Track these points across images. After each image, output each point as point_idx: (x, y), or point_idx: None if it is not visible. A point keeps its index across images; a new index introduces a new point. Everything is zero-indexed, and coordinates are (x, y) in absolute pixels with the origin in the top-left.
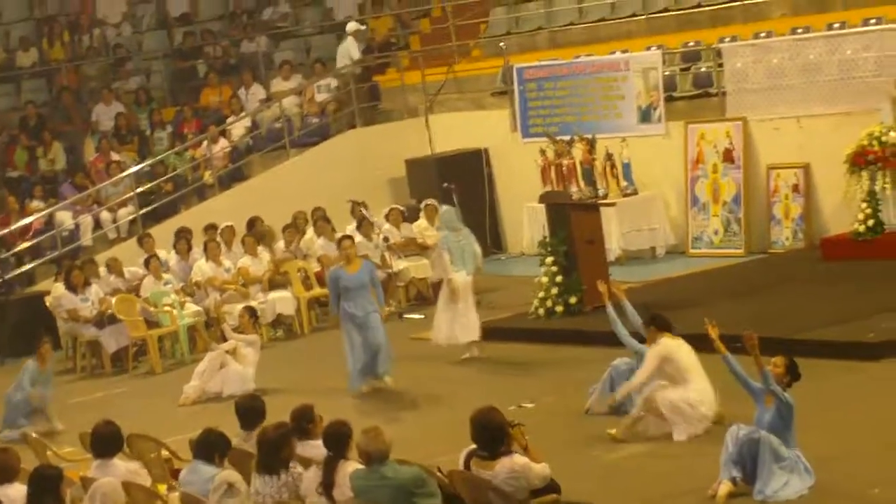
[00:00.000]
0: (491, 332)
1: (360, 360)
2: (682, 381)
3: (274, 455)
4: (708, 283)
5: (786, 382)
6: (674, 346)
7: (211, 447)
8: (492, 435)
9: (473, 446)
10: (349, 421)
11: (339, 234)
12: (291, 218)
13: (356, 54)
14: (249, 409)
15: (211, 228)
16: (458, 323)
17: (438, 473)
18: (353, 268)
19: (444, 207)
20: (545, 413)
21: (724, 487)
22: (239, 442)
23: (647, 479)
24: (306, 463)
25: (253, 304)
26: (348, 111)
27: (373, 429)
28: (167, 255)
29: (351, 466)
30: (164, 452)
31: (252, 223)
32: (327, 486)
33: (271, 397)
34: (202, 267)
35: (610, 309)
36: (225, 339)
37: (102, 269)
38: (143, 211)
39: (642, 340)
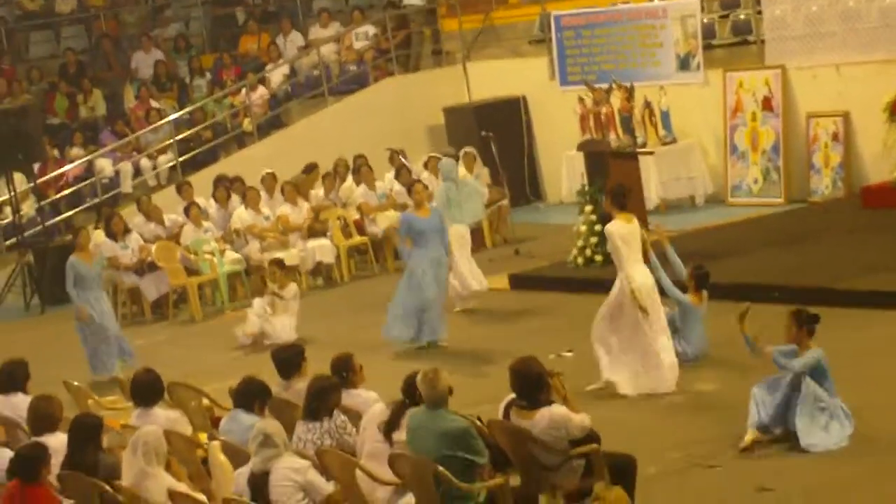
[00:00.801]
0: (529, 281)
1: (409, 308)
2: (619, 266)
3: (320, 401)
4: (747, 231)
5: (807, 333)
6: (624, 228)
7: (251, 396)
8: (530, 384)
9: (513, 396)
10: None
11: (378, 182)
12: (332, 165)
13: None
14: (287, 358)
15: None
16: (457, 274)
17: (478, 423)
18: (425, 212)
19: (444, 159)
20: (584, 362)
21: (750, 434)
22: (278, 391)
23: (682, 427)
24: (347, 411)
25: (281, 255)
26: (385, 58)
27: (431, 371)
28: (206, 202)
29: None
30: (205, 401)
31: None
32: (390, 427)
33: (312, 347)
34: (241, 215)
35: (652, 255)
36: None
37: (140, 218)
38: (183, 158)
39: (685, 289)
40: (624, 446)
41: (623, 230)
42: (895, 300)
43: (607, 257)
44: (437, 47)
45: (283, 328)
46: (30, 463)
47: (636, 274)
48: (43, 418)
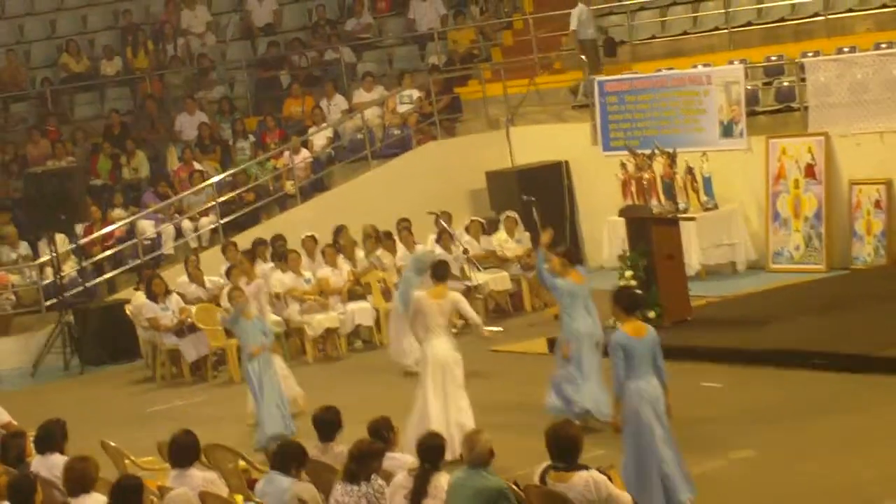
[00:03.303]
0: None
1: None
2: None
3: (361, 465)
4: (788, 298)
5: (621, 310)
6: (426, 301)
7: (288, 458)
8: (566, 446)
9: (549, 462)
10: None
11: (420, 246)
12: (361, 231)
13: (574, 24)
14: (327, 421)
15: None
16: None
17: (514, 487)
18: (575, 278)
19: (420, 249)
20: None
21: None
22: (316, 454)
23: (715, 494)
24: (385, 475)
25: (321, 317)
26: (429, 122)
27: (473, 432)
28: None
29: (444, 478)
30: (242, 463)
31: (338, 232)
32: (417, 496)
33: (348, 409)
34: (281, 278)
35: None
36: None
37: (183, 278)
38: (225, 220)
39: None
40: None
41: (424, 303)
42: None
43: (646, 322)
44: (465, 117)
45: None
46: None
47: (429, 347)
48: (78, 479)
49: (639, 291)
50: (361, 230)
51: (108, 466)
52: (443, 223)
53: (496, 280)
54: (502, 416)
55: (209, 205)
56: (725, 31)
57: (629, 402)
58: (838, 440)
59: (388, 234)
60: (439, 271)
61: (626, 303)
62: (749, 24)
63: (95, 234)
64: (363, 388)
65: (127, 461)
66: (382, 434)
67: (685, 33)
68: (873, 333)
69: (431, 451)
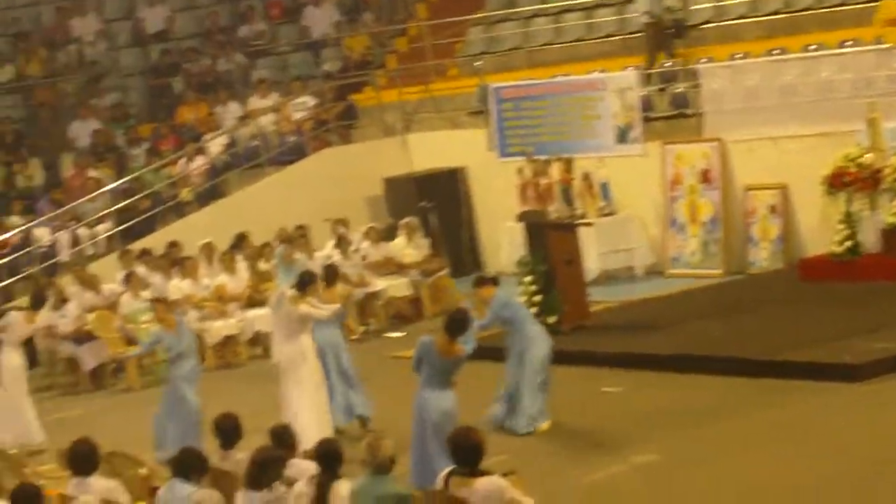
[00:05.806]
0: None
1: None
2: None
3: (264, 471)
4: (685, 303)
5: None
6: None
7: (188, 466)
8: (469, 453)
9: (452, 466)
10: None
11: (318, 253)
12: (261, 243)
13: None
14: (227, 428)
15: (173, 246)
16: None
17: (416, 493)
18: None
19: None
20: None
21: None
22: (217, 460)
23: (624, 499)
24: (288, 483)
25: (220, 324)
26: (324, 129)
27: (375, 438)
28: (148, 272)
29: (343, 486)
30: (143, 470)
31: (240, 239)
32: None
33: (252, 418)
34: (179, 284)
35: None
36: None
37: (77, 287)
38: (121, 228)
39: None
40: None
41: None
42: (832, 372)
43: (548, 327)
44: (360, 124)
45: None
46: None
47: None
48: None
49: (469, 318)
50: (276, 233)
51: (6, 474)
52: (341, 229)
53: (395, 286)
54: (405, 421)
55: (105, 212)
56: (619, 37)
57: (417, 406)
58: (737, 443)
59: (302, 232)
60: (300, 282)
61: (451, 328)
62: (643, 30)
63: None
64: (264, 395)
65: (27, 469)
66: (284, 440)
67: (580, 39)
68: (768, 338)
69: (330, 457)
